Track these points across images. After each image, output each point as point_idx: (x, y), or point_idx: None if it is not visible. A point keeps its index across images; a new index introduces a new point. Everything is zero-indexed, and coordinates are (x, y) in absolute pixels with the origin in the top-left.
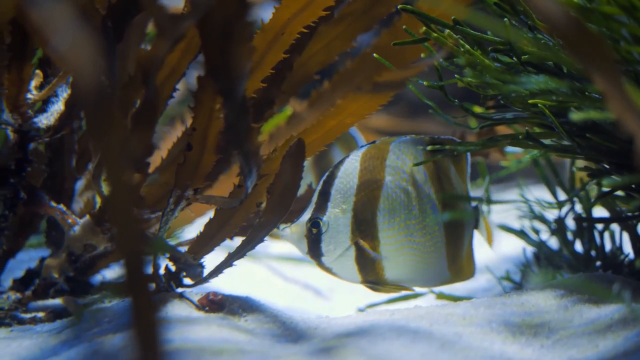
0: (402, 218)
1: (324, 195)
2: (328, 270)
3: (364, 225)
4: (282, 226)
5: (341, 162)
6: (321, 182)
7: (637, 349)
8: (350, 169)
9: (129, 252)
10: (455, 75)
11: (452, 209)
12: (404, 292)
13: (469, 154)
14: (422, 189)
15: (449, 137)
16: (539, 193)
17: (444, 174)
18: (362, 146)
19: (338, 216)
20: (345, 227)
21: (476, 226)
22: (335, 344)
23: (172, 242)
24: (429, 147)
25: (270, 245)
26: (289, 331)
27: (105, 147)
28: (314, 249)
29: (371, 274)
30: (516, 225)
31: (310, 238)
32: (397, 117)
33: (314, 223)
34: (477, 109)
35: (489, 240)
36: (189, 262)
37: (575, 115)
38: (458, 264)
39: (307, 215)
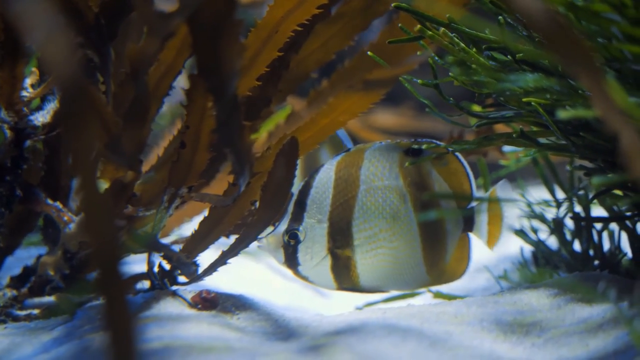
0: (376, 226)
1: (300, 206)
2: (304, 278)
3: (339, 235)
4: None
5: (316, 171)
6: (296, 192)
7: (628, 348)
8: (325, 178)
9: (101, 251)
10: (450, 74)
11: (433, 212)
12: (400, 292)
13: (458, 154)
14: (396, 196)
15: (428, 139)
16: (540, 192)
17: (421, 179)
18: (337, 155)
19: (314, 226)
20: (321, 237)
21: (470, 229)
22: (324, 342)
23: (168, 240)
24: (423, 147)
25: None
26: (281, 329)
27: (78, 143)
28: (291, 259)
29: (347, 281)
30: (516, 224)
31: (287, 249)
32: (404, 116)
33: (292, 234)
34: (476, 108)
35: (490, 242)
36: (182, 260)
37: (563, 113)
38: (439, 266)
39: (283, 226)
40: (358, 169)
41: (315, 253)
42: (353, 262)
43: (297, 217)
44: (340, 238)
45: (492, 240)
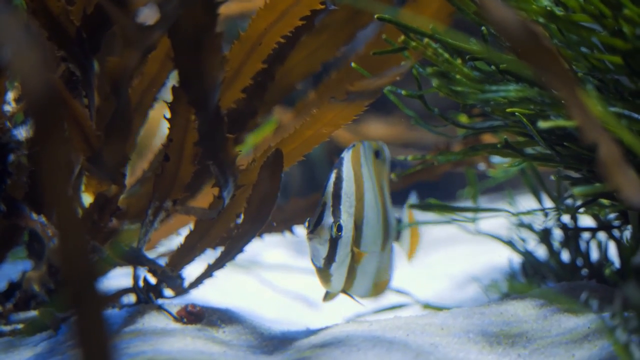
0: (371, 225)
1: (337, 198)
2: (328, 277)
3: (357, 231)
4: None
5: (340, 163)
6: (332, 184)
7: (613, 358)
8: (349, 172)
9: (73, 268)
10: (434, 84)
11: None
12: (391, 303)
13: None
14: (377, 197)
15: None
16: (529, 202)
17: (380, 183)
18: (348, 148)
19: (347, 221)
20: (349, 232)
21: (397, 237)
22: (309, 355)
23: (155, 252)
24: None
25: (261, 255)
26: (266, 342)
27: (48, 159)
28: (331, 254)
29: (348, 283)
30: (505, 234)
31: (331, 243)
32: (395, 126)
33: (339, 226)
34: (463, 118)
35: (410, 253)
36: (167, 274)
37: (543, 123)
38: (379, 275)
39: (329, 219)
40: (360, 166)
41: (346, 250)
42: (357, 262)
43: (336, 209)
44: (357, 235)
45: (412, 252)
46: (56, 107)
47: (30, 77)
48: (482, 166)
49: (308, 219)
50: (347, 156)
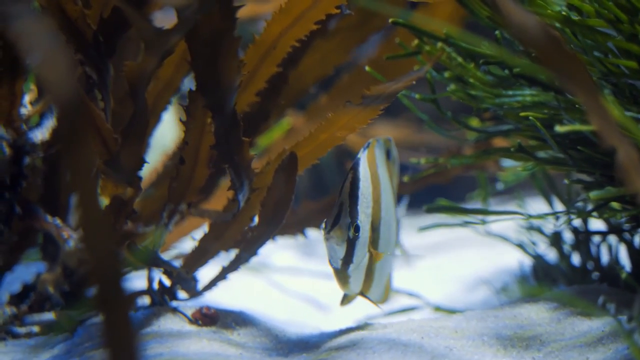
0: (388, 226)
1: (354, 199)
2: (346, 278)
3: (374, 232)
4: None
5: (357, 162)
6: (348, 184)
7: None
8: (365, 173)
9: (100, 268)
10: (448, 89)
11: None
12: (402, 306)
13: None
14: (392, 197)
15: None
16: (539, 205)
17: (393, 182)
18: (364, 147)
19: (365, 221)
20: (366, 232)
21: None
22: (324, 357)
23: (168, 255)
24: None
25: (271, 257)
26: (281, 345)
27: (76, 162)
28: (348, 255)
29: (366, 285)
30: (514, 237)
31: (349, 244)
32: (404, 129)
33: (357, 227)
34: (475, 122)
35: None
36: (182, 276)
37: (560, 128)
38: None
39: (346, 219)
40: (376, 166)
41: (362, 250)
42: (374, 264)
43: (353, 210)
44: (374, 236)
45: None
46: (82, 112)
47: (57, 83)
48: (500, 186)
49: (324, 219)
50: (363, 156)
